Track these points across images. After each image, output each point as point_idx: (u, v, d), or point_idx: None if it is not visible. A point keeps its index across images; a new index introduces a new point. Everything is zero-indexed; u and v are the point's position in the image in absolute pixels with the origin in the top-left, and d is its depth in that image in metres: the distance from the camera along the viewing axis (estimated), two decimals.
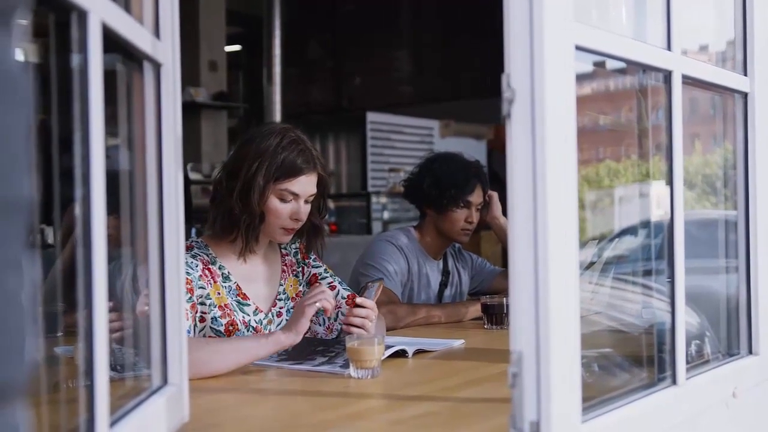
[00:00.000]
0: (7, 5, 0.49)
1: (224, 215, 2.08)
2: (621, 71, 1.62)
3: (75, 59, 0.96)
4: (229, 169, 2.10)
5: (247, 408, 1.56)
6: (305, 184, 2.08)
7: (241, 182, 2.04)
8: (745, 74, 1.71)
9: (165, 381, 1.30)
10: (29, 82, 0.50)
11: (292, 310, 2.18)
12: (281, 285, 2.21)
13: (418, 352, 2.06)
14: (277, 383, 1.82)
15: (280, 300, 2.20)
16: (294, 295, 2.23)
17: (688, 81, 1.48)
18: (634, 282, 1.95)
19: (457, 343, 2.23)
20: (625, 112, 1.90)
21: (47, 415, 1.09)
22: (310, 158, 2.08)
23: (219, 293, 2.06)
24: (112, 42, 1.05)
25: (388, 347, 1.92)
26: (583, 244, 1.19)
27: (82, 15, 0.94)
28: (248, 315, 2.09)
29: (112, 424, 1.02)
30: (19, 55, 0.50)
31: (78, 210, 0.96)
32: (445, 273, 3.00)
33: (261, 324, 2.12)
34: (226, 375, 1.81)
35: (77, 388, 1.28)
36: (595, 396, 1.26)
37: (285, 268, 2.25)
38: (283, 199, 2.07)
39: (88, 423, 0.95)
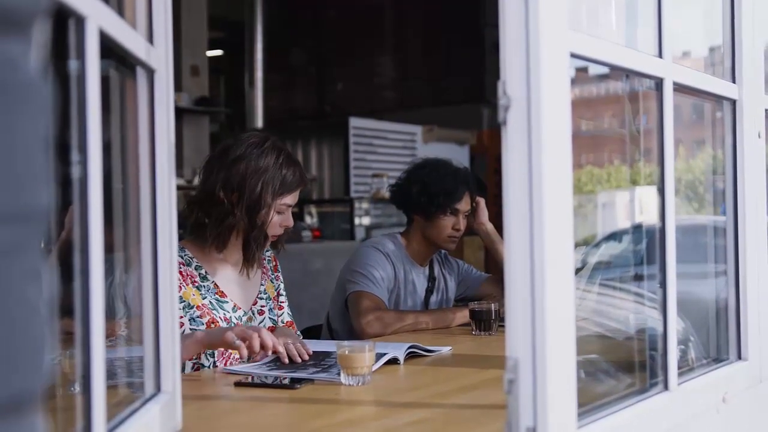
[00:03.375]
0: (27, 15, 0.48)
1: (227, 229, 2.13)
2: (604, 77, 1.63)
3: (72, 64, 0.95)
4: (224, 184, 2.12)
5: (240, 416, 1.55)
6: (297, 196, 2.22)
7: (247, 200, 2.11)
8: (734, 81, 1.72)
9: (158, 389, 1.29)
10: (48, 90, 0.50)
11: (273, 310, 2.30)
12: (262, 285, 2.30)
13: (410, 356, 2.05)
14: (270, 391, 1.81)
15: (261, 299, 2.28)
16: (272, 297, 2.32)
17: (679, 88, 1.49)
18: (621, 288, 1.96)
19: (445, 349, 2.23)
20: (608, 117, 1.91)
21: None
22: (303, 172, 2.22)
23: (195, 294, 2.11)
24: (106, 47, 1.04)
25: (379, 355, 1.92)
26: None
27: (80, 21, 0.93)
28: (228, 312, 2.15)
29: None
30: (36, 64, 0.49)
31: (75, 216, 0.95)
32: (431, 279, 3.00)
33: (241, 321, 2.19)
34: (219, 383, 1.80)
35: (67, 396, 1.26)
36: (590, 402, 1.27)
37: (264, 270, 2.33)
38: (280, 212, 2.18)
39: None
